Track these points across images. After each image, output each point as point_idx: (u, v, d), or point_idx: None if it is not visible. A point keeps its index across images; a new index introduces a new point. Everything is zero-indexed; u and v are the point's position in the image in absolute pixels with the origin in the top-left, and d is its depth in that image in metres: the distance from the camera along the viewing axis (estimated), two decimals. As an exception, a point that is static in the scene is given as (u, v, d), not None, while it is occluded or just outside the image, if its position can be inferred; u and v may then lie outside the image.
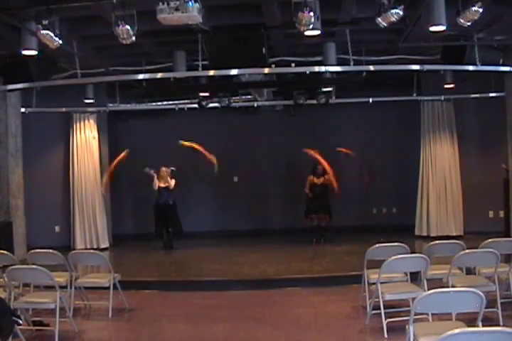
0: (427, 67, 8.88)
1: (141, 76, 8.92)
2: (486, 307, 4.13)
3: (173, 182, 11.21)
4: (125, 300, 7.03)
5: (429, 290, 4.47)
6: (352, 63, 8.59)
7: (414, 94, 11.39)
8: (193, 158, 12.57)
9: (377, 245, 6.51)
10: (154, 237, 11.46)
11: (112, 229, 12.19)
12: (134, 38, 6.34)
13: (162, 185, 11.21)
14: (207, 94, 11.18)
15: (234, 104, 11.70)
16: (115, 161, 11.12)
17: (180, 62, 8.82)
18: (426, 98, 11.65)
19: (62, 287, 6.22)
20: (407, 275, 6.34)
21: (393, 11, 6.05)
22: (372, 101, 11.58)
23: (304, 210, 11.75)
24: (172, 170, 11.24)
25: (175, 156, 12.52)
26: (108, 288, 6.78)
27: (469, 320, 4.53)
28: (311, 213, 11.59)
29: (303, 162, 11.98)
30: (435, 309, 4.49)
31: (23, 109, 10.54)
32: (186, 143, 11.41)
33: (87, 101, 11.03)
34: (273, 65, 8.62)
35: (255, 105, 11.97)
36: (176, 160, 11.97)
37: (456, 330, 3.18)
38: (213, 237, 12.71)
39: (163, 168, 11.24)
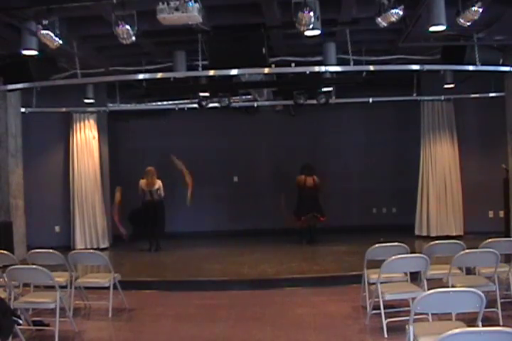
0: (427, 67, 8.87)
1: (141, 76, 8.92)
2: (486, 307, 4.14)
3: (158, 182, 11.05)
4: (125, 300, 7.04)
5: (429, 290, 4.47)
6: (352, 63, 8.59)
7: (414, 94, 11.39)
8: (193, 159, 12.60)
9: (377, 245, 6.52)
10: (143, 238, 11.35)
11: (111, 229, 12.18)
12: (134, 38, 6.33)
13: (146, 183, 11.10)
14: (207, 94, 11.17)
15: (234, 104, 11.67)
16: None
17: (180, 62, 8.82)
18: (426, 98, 11.64)
19: (62, 287, 6.22)
20: (407, 275, 6.35)
21: (393, 11, 6.05)
22: (372, 101, 11.57)
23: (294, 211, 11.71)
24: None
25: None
26: (108, 288, 6.78)
27: (469, 320, 4.53)
28: (302, 214, 11.56)
29: (303, 162, 11.97)
30: (435, 309, 4.49)
31: (23, 109, 10.54)
32: (176, 161, 11.51)
33: (87, 101, 11.02)
34: (273, 65, 8.61)
35: (255, 105, 11.94)
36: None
37: (456, 330, 3.18)
38: (213, 237, 12.71)
39: (150, 167, 11.12)
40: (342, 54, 8.72)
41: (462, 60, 8.52)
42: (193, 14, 5.74)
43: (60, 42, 6.56)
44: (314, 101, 11.18)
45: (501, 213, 11.01)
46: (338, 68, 8.86)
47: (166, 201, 11.32)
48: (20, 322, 4.91)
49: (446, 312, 4.94)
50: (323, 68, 8.80)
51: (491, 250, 5.89)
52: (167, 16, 5.75)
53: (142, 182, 11.09)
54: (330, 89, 11.42)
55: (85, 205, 11.60)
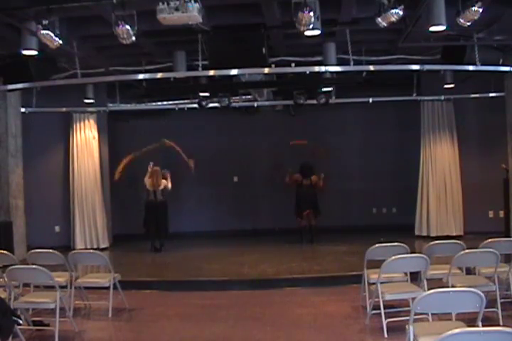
0: (427, 67, 8.88)
1: (141, 76, 8.92)
2: (486, 307, 4.14)
3: (163, 182, 10.99)
4: (125, 300, 7.04)
5: (429, 290, 4.47)
6: (352, 63, 8.59)
7: (414, 94, 11.39)
8: (193, 159, 12.58)
9: (377, 245, 6.52)
10: (145, 238, 11.29)
11: (111, 229, 12.18)
12: (134, 38, 6.34)
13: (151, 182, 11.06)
14: (207, 94, 11.18)
15: (234, 104, 11.68)
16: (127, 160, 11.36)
17: (181, 62, 8.82)
18: (426, 98, 11.65)
19: (62, 287, 6.22)
20: (407, 275, 6.35)
21: (393, 11, 6.05)
22: (372, 101, 11.58)
23: (294, 211, 11.76)
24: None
25: (174, 156, 12.52)
26: (108, 288, 6.78)
27: (469, 320, 4.53)
28: (301, 212, 11.58)
29: (302, 162, 11.97)
30: (435, 309, 4.49)
31: (23, 109, 10.55)
32: (167, 143, 11.49)
33: (87, 101, 11.03)
34: (273, 65, 8.62)
35: (255, 105, 11.96)
36: (175, 160, 11.97)
37: (456, 330, 3.18)
38: (213, 237, 12.71)
39: (155, 168, 11.08)
40: (342, 54, 8.72)
41: (462, 60, 8.52)
42: (193, 14, 5.74)
43: (60, 42, 6.56)
44: (314, 101, 11.19)
45: (501, 213, 11.01)
46: (338, 68, 8.86)
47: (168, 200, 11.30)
48: (20, 322, 4.91)
49: (446, 312, 4.94)
50: (323, 68, 8.81)
51: (491, 250, 5.89)
52: (167, 16, 5.75)
53: (147, 181, 11.04)
54: (330, 89, 11.43)
55: (85, 205, 11.60)
